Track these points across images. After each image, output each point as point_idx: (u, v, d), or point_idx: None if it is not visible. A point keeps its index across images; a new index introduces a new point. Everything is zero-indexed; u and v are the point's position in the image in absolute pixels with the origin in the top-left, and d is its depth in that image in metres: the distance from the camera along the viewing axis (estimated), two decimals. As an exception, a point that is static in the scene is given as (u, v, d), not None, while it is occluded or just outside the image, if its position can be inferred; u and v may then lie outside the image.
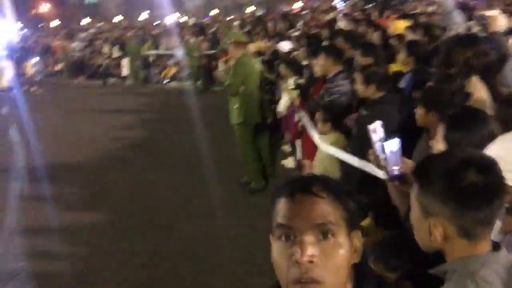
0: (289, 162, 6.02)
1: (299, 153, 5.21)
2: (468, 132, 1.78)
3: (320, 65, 4.33)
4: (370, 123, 3.24)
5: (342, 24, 8.14)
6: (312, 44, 5.80)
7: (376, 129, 1.75)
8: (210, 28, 14.61)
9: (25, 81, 14.74)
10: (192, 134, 8.01)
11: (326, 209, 0.92)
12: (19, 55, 18.02)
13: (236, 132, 5.28)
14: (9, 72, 14.50)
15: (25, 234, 4.77)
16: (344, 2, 13.17)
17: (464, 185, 1.09)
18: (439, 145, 1.84)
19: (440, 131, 1.87)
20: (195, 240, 4.36)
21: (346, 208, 0.95)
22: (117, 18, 66.67)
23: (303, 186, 0.96)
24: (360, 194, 3.37)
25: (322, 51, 4.32)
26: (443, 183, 1.11)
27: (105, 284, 3.84)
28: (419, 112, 2.51)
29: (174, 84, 13.46)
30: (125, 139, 8.11)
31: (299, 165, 5.23)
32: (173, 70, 13.72)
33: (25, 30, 51.85)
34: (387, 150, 1.68)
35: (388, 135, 1.72)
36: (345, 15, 9.50)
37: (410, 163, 1.71)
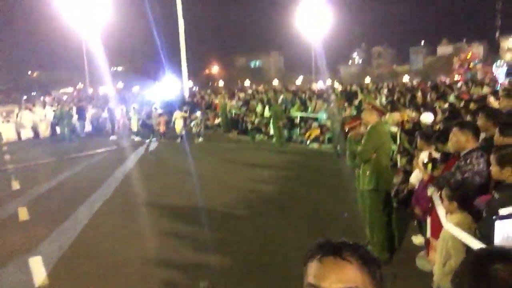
0: (418, 239, 5.68)
1: (428, 232, 4.93)
2: None
3: (454, 140, 4.16)
4: (502, 207, 3.03)
5: (492, 100, 7.60)
6: (453, 118, 5.56)
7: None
8: (357, 95, 14.85)
9: (191, 131, 16.89)
10: (323, 196, 8.20)
11: (354, 273, 1.01)
12: (188, 108, 20.72)
13: (366, 199, 5.21)
14: (181, 122, 16.83)
15: (157, 265, 5.39)
16: (507, 76, 12.23)
17: None
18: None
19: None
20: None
21: (373, 276, 1.02)
22: (275, 82, 71.96)
23: (334, 250, 1.06)
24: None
25: (457, 126, 4.15)
26: None
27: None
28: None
29: (315, 145, 13.85)
30: (260, 192, 8.61)
31: (427, 243, 4.93)
32: (316, 132, 14.17)
33: (196, 87, 59.13)
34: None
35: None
36: (504, 90, 8.85)
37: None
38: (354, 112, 12.87)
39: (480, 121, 4.64)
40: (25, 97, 69.97)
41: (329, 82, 56.56)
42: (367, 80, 52.82)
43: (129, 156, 13.98)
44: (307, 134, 14.45)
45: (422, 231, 5.46)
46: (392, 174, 5.37)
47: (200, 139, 16.53)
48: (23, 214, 7.89)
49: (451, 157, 4.43)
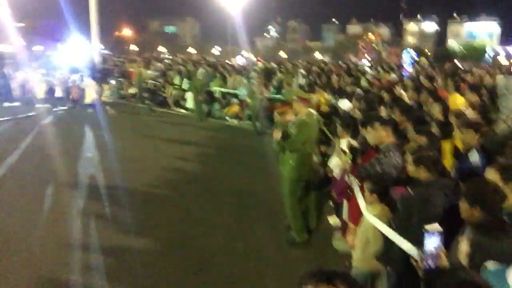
0: (334, 220, 6.13)
1: (345, 214, 5.34)
2: (496, 241, 1.92)
3: (373, 134, 4.52)
4: (414, 206, 3.39)
5: (398, 91, 8.28)
6: (369, 109, 6.00)
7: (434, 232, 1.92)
8: (276, 73, 15.17)
9: (102, 101, 16.04)
10: (244, 173, 8.42)
11: None
12: (100, 76, 19.60)
13: (286, 185, 5.47)
14: (92, 91, 15.89)
15: (75, 248, 5.23)
16: (413, 63, 13.30)
17: None
18: (463, 245, 1.99)
19: (468, 233, 2.01)
20: (228, 281, 4.59)
21: None
22: (191, 50, 70.34)
23: (328, 278, 1.22)
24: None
25: (380, 121, 4.50)
26: None
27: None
28: (463, 205, 2.57)
29: (235, 122, 14.01)
30: (181, 170, 8.59)
31: (343, 226, 5.36)
32: (236, 108, 14.31)
33: (106, 51, 55.75)
34: (428, 246, 1.87)
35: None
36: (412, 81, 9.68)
37: (444, 260, 1.88)
38: (273, 92, 13.22)
39: (395, 116, 5.09)
40: None
41: (246, 54, 56.80)
42: (282, 54, 53.94)
43: (35, 127, 12.96)
44: (226, 110, 14.54)
45: (338, 213, 5.93)
46: (314, 162, 5.68)
47: (113, 111, 15.81)
48: None
49: (370, 148, 4.82)
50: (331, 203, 6.45)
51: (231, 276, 4.70)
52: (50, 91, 18.03)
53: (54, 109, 16.24)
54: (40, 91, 17.07)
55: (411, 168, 3.54)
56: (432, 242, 1.89)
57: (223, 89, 15.53)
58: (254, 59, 34.48)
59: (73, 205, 6.63)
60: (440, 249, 1.89)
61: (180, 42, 78.22)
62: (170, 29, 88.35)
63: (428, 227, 1.95)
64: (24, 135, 11.52)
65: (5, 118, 14.14)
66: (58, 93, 17.74)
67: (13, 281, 4.53)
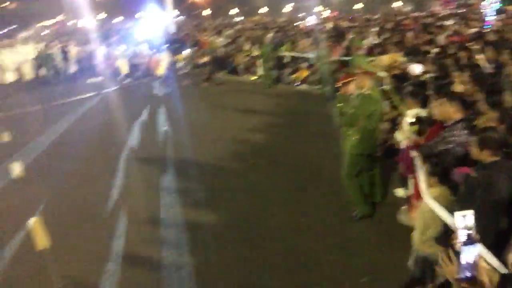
0: (400, 192, 5.95)
1: (410, 189, 5.17)
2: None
3: (440, 109, 4.25)
4: (477, 189, 3.19)
5: (476, 51, 7.50)
6: (441, 77, 5.59)
7: (466, 217, 1.79)
8: (348, 33, 14.54)
9: (177, 72, 16.64)
10: (311, 143, 8.38)
11: None
12: (174, 47, 20.21)
13: (348, 159, 5.36)
14: (166, 62, 16.52)
15: (147, 222, 5.64)
16: (496, 14, 11.97)
17: None
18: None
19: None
20: (291, 255, 4.70)
21: None
22: (263, 9, 69.01)
23: None
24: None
25: (447, 97, 4.20)
26: None
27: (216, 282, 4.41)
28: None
29: (304, 87, 13.83)
30: (250, 142, 8.76)
31: (409, 202, 5.19)
32: (305, 73, 14.07)
33: (180, 17, 56.77)
34: (465, 256, 1.76)
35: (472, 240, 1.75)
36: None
37: (483, 270, 1.78)
38: (343, 52, 12.74)
39: (467, 86, 4.70)
40: (3, 31, 67.36)
41: (320, 8, 54.75)
42: (359, 5, 51.15)
43: (115, 101, 13.86)
44: (296, 75, 14.35)
45: (405, 185, 5.73)
46: (378, 135, 5.48)
47: (187, 81, 16.35)
48: (17, 169, 7.96)
49: (437, 122, 4.54)
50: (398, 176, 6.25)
51: (294, 251, 4.81)
52: (131, 65, 19.01)
53: (134, 82, 17.18)
54: (121, 66, 18.06)
55: (474, 150, 3.31)
56: (471, 251, 1.78)
57: (292, 54, 15.28)
58: (327, 14, 33.21)
59: (146, 178, 7.12)
60: (480, 259, 1.78)
61: (253, 3, 77.38)
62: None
63: (459, 213, 1.80)
64: (106, 111, 12.40)
65: (89, 94, 15.28)
66: (137, 66, 18.62)
67: (87, 255, 5.03)
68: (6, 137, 10.41)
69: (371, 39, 13.11)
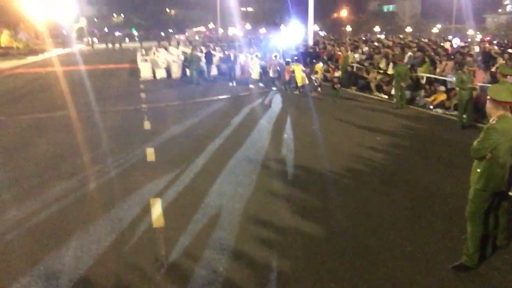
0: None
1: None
2: None
3: None
4: None
5: None
6: None
7: None
8: (498, 59, 13.20)
9: (308, 83, 16.92)
10: (434, 170, 7.79)
11: None
12: (310, 59, 20.60)
13: (471, 194, 4.82)
14: (301, 73, 16.91)
15: (256, 224, 5.80)
16: None
17: None
18: None
19: None
20: (389, 282, 4.41)
21: None
22: (408, 29, 66.61)
23: None
24: None
25: None
26: None
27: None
28: None
29: (439, 111, 12.92)
30: (368, 160, 8.47)
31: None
32: (442, 97, 13.14)
33: (322, 32, 57.73)
34: None
35: None
36: None
37: None
38: (489, 79, 11.61)
39: None
40: (162, 33, 75.79)
41: (471, 32, 50.66)
42: (519, 33, 46.13)
43: (245, 105, 14.64)
44: (432, 98, 13.48)
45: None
46: (507, 171, 4.82)
47: (316, 93, 16.48)
48: (151, 155, 8.91)
49: None
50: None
51: (392, 277, 4.52)
52: (264, 72, 19.86)
53: (266, 90, 17.91)
54: (255, 73, 18.99)
55: None
56: None
57: (430, 75, 14.39)
58: (478, 39, 30.50)
59: (258, 180, 7.35)
60: None
61: (398, 21, 74.79)
62: (388, 8, 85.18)
63: None
64: (235, 113, 13.16)
65: (224, 96, 16.36)
66: (271, 74, 19.38)
67: (193, 240, 5.36)
68: (147, 125, 11.72)
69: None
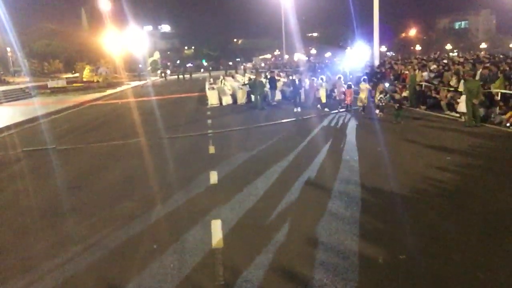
0: None
1: None
2: None
3: None
4: None
5: None
6: None
7: None
8: None
9: (374, 104, 16.57)
10: (508, 192, 7.21)
11: None
12: (375, 79, 20.23)
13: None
14: (365, 94, 16.64)
15: (314, 246, 5.67)
16: None
17: None
18: None
19: None
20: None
21: None
22: (483, 45, 63.47)
23: None
24: None
25: None
26: None
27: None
28: None
29: (517, 129, 12.03)
30: (436, 181, 8.04)
31: None
32: (520, 114, 12.24)
33: (390, 53, 56.66)
34: None
35: None
36: None
37: None
38: None
39: None
40: (230, 63, 78.55)
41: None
42: None
43: (309, 128, 14.60)
44: (508, 115, 12.58)
45: None
46: None
47: (380, 114, 16.06)
48: (214, 178, 9.12)
49: None
50: None
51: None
52: (330, 95, 19.75)
53: (331, 112, 17.76)
54: (320, 96, 18.95)
55: None
56: None
57: (506, 91, 13.47)
58: None
59: (317, 200, 7.23)
60: None
61: (471, 38, 71.36)
62: (460, 24, 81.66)
63: None
64: (298, 136, 13.15)
65: (288, 120, 16.45)
66: (337, 97, 19.21)
67: (248, 260, 5.34)
68: (212, 150, 12.06)
69: None
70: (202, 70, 78.84)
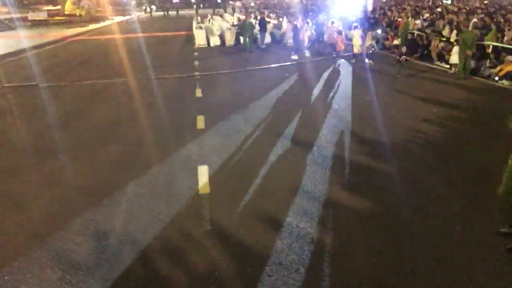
0: None
1: None
2: None
3: None
4: None
5: None
6: None
7: None
8: None
9: (366, 51, 16.32)
10: (494, 146, 7.33)
11: None
12: (367, 26, 19.77)
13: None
14: (358, 41, 16.29)
15: (289, 192, 5.77)
16: None
17: None
18: None
19: None
20: (429, 261, 4.27)
21: None
22: (477, -7, 61.62)
23: None
24: None
25: None
26: None
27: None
28: None
29: (505, 83, 12.04)
30: (423, 133, 8.11)
31: None
32: (509, 68, 12.20)
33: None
34: None
35: None
36: None
37: None
38: None
39: None
40: (219, 0, 75.55)
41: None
42: None
43: (299, 74, 14.41)
44: (498, 69, 12.55)
45: None
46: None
47: (370, 61, 15.87)
48: (201, 122, 9.04)
49: None
50: None
51: (437, 257, 4.36)
52: (317, 39, 19.32)
53: (322, 58, 17.47)
54: (305, 39, 18.51)
55: None
56: None
57: (497, 44, 13.35)
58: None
59: (307, 153, 7.26)
60: None
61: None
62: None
63: None
64: (287, 82, 13.01)
65: (277, 65, 16.16)
66: (327, 41, 18.81)
67: (231, 207, 5.43)
68: (199, 93, 11.88)
69: None
70: (191, 6, 75.85)
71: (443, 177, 6.24)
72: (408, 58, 13.53)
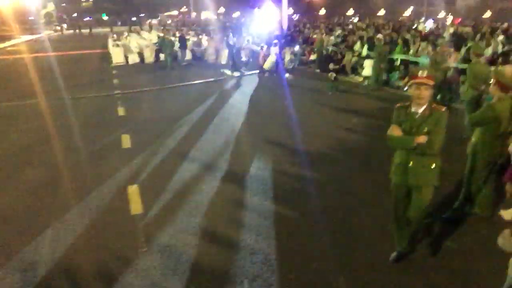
0: (507, 214, 5.34)
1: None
2: None
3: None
4: None
5: None
6: None
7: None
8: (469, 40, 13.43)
9: (284, 67, 16.88)
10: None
11: None
12: (283, 41, 20.48)
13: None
14: (273, 57, 16.81)
15: (232, 205, 5.77)
16: None
17: None
18: None
19: None
20: (372, 256, 4.48)
21: None
22: (381, 12, 66.77)
23: None
24: None
25: None
26: None
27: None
28: None
29: (413, 93, 13.09)
30: (343, 141, 8.54)
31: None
32: (415, 78, 13.28)
33: (296, 15, 57.33)
34: None
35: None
36: None
37: None
38: (459, 61, 11.80)
39: None
40: (134, 18, 74.11)
41: (442, 15, 51.36)
42: (487, 14, 47.05)
43: (220, 89, 14.52)
44: (406, 80, 13.62)
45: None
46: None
47: (290, 76, 16.46)
48: (126, 141, 8.72)
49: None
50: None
51: (373, 255, 4.57)
52: (237, 56, 19.63)
53: (238, 74, 17.74)
54: (224, 57, 18.78)
55: None
56: None
57: (404, 57, 14.53)
58: (449, 21, 30.95)
59: (235, 165, 7.30)
60: None
61: (371, 4, 75.07)
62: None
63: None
64: (209, 97, 13.04)
65: (199, 81, 16.16)
66: (244, 58, 19.17)
67: (171, 226, 5.30)
68: (122, 111, 11.47)
69: (495, 48, 11.95)
70: (104, 24, 73.31)
71: (369, 180, 6.58)
72: (336, 74, 13.86)
